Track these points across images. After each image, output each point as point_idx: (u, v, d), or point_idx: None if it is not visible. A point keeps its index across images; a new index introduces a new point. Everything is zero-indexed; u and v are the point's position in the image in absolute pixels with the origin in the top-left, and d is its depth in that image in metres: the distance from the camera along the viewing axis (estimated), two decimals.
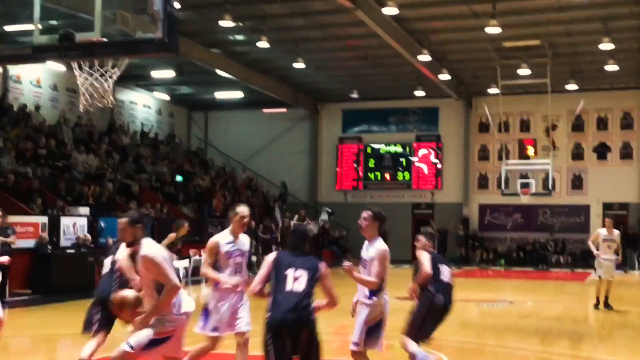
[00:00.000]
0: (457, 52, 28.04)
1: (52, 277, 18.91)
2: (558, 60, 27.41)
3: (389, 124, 36.93)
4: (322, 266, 6.44)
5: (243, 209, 8.06)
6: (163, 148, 33.58)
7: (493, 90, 30.29)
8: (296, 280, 6.32)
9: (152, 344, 6.40)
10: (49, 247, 19.74)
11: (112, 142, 29.48)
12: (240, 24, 24.00)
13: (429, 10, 23.49)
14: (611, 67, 27.39)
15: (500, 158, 30.72)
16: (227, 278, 7.81)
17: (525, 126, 34.66)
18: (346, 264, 6.80)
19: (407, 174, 36.42)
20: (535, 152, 33.60)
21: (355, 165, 37.06)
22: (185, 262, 20.81)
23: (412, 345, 8.36)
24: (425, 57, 25.77)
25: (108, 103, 8.54)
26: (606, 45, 24.29)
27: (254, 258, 23.77)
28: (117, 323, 7.84)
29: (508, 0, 21.97)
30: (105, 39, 7.51)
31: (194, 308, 6.74)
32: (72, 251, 20.18)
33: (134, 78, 30.67)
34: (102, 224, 21.76)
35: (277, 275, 6.40)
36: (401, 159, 36.57)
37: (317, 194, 37.58)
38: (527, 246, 33.67)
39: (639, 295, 21.21)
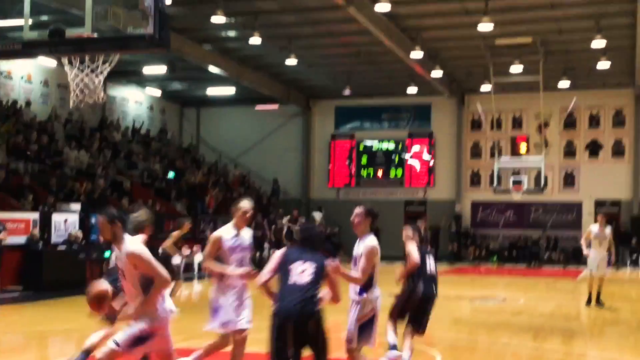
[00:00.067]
0: (449, 49, 28.03)
1: (43, 273, 18.83)
2: (550, 57, 27.45)
3: (382, 121, 36.92)
4: (329, 262, 6.61)
5: (246, 204, 8.07)
6: (155, 144, 33.50)
7: (485, 88, 30.31)
8: (302, 273, 6.50)
9: (138, 341, 6.36)
10: (40, 243, 19.66)
11: (103, 138, 29.39)
12: (233, 20, 23.94)
13: (422, 7, 23.47)
14: (603, 65, 27.43)
15: (492, 155, 30.77)
16: (233, 269, 7.78)
17: (517, 123, 34.70)
18: (330, 262, 6.75)
19: (399, 171, 36.44)
20: (528, 150, 33.65)
21: (347, 162, 37.04)
22: (177, 259, 20.79)
23: (390, 336, 8.74)
24: (417, 54, 25.75)
25: (99, 99, 8.50)
26: (598, 43, 24.31)
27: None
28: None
29: None
30: (95, 35, 7.48)
31: (175, 307, 6.72)
32: (63, 248, 20.10)
33: (126, 74, 30.55)
34: (94, 220, 21.69)
35: (284, 269, 6.59)
36: (394, 156, 36.57)
37: (310, 191, 37.55)
38: (520, 243, 33.71)
39: (631, 292, 21.26)
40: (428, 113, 36.17)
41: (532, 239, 33.54)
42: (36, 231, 19.68)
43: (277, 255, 6.88)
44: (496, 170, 27.91)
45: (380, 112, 36.80)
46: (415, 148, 36.22)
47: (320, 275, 6.53)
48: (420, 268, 8.97)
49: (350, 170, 36.99)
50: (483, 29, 22.68)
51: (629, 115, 33.54)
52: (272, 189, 35.99)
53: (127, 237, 6.47)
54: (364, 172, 36.91)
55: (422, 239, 9.52)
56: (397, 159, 36.50)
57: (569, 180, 34.20)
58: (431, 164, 35.94)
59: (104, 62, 8.24)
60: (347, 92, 33.27)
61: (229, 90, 34.27)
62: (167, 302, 6.59)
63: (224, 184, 34.14)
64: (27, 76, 28.16)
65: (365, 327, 7.00)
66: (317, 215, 32.90)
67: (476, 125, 34.84)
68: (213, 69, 28.91)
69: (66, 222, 20.85)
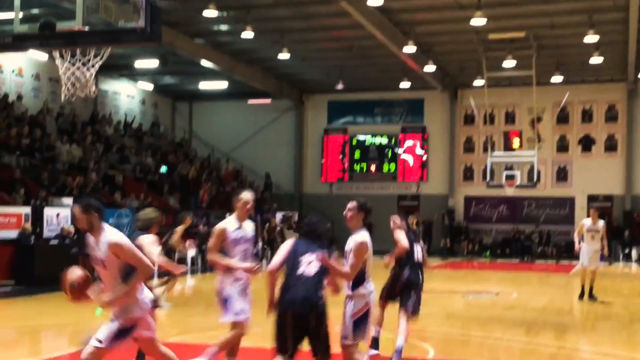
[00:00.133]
0: (442, 43, 28.01)
1: (35, 268, 18.77)
2: (543, 52, 27.46)
3: (375, 116, 36.89)
4: (333, 254, 6.75)
5: (247, 195, 8.08)
6: (147, 138, 33.42)
7: (478, 82, 30.32)
8: (309, 264, 6.68)
9: (121, 334, 6.34)
10: (32, 238, 19.60)
11: (95, 132, 29.29)
12: (225, 13, 23.87)
13: (414, 1, 23.43)
14: (596, 60, 27.47)
15: (485, 150, 30.77)
16: (238, 263, 7.77)
17: (510, 118, 34.71)
18: (320, 254, 6.76)
19: (392, 166, 36.44)
20: (521, 144, 33.66)
21: (340, 156, 37.02)
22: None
23: (373, 329, 8.95)
24: (410, 49, 25.72)
25: (90, 93, 8.45)
26: (591, 38, 24.34)
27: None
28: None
29: None
30: (87, 28, 7.43)
31: (153, 296, 6.68)
32: (55, 242, 20.04)
33: (118, 68, 30.47)
34: None
35: (293, 260, 6.75)
36: (387, 151, 36.56)
37: (302, 185, 37.52)
38: (513, 238, 33.73)
39: (623, 287, 21.31)
40: (421, 107, 36.16)
41: (525, 234, 33.58)
42: (28, 225, 19.62)
43: (286, 245, 7.00)
44: (489, 165, 27.94)
45: (373, 107, 36.77)
46: (408, 142, 36.21)
47: (326, 268, 6.71)
48: (407, 255, 9.48)
49: (343, 164, 36.97)
50: (476, 24, 22.70)
51: (622, 110, 33.58)
52: (265, 184, 35.95)
53: (106, 227, 6.39)
54: (357, 167, 36.90)
55: (409, 227, 10.00)
56: (390, 154, 36.49)
57: (562, 175, 34.25)
58: (424, 158, 35.94)
59: (95, 56, 8.19)
60: (340, 86, 33.24)
61: (222, 85, 34.20)
62: (146, 291, 6.55)
63: (216, 178, 34.09)
64: (18, 70, 28.04)
65: (360, 322, 6.97)
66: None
67: (469, 119, 34.86)
68: (205, 63, 28.84)
69: (58, 216, 20.79)
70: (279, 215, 31.75)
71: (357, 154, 36.91)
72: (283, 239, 26.85)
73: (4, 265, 18.72)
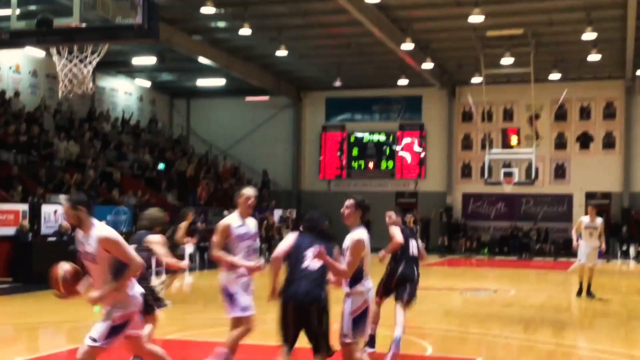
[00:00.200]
0: (440, 40, 27.98)
1: (33, 265, 18.73)
2: (541, 49, 27.43)
3: (373, 113, 36.87)
4: (314, 247, 6.76)
5: (248, 190, 8.07)
6: (144, 135, 33.38)
7: (476, 79, 30.30)
8: (313, 259, 6.76)
9: (114, 331, 6.30)
10: (30, 235, 19.57)
11: (92, 129, 29.25)
12: (222, 10, 23.84)
13: None
14: (594, 57, 27.45)
15: (483, 147, 30.77)
16: (242, 261, 7.76)
17: (508, 115, 34.70)
18: (315, 248, 6.76)
19: (390, 163, 36.42)
20: (519, 142, 33.65)
21: (338, 154, 37.00)
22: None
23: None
24: (408, 46, 25.68)
25: (88, 89, 8.44)
26: (589, 35, 24.31)
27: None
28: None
29: None
30: (84, 25, 7.41)
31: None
32: (53, 239, 20.01)
33: (115, 64, 30.43)
34: None
35: (295, 255, 6.88)
36: (385, 148, 36.55)
37: (300, 182, 37.51)
38: (511, 235, 33.72)
39: (621, 284, 21.32)
40: (419, 105, 36.14)
41: (523, 231, 33.58)
42: (26, 222, 19.61)
43: (291, 237, 7.12)
44: (487, 162, 27.92)
45: (371, 104, 36.75)
46: (406, 140, 36.19)
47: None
48: (402, 250, 9.67)
49: (341, 162, 36.95)
50: (474, 21, 22.66)
51: (620, 107, 33.58)
52: (262, 181, 35.94)
53: (96, 222, 6.37)
54: (354, 164, 36.88)
55: (405, 223, 10.34)
56: (388, 151, 36.48)
57: (560, 172, 34.26)
58: (422, 155, 35.94)
59: (92, 53, 8.18)
60: (337, 83, 33.20)
61: (219, 82, 34.17)
62: (137, 288, 6.52)
63: (214, 175, 34.07)
64: (15, 66, 27.99)
65: (359, 320, 6.94)
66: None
67: (467, 117, 34.85)
68: (203, 59, 28.79)
69: (56, 213, 20.76)
70: (277, 213, 31.72)
71: (355, 151, 36.89)
72: (281, 238, 26.86)
73: (2, 263, 18.70)
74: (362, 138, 36.84)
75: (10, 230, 19.30)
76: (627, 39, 25.51)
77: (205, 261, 24.21)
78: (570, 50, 28.54)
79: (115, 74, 33.45)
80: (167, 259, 9.16)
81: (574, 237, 17.16)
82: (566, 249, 30.18)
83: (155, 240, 9.17)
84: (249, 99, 37.44)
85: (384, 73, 32.96)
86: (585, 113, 34.00)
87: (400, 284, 9.65)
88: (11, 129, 24.33)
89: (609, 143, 33.69)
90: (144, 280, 8.93)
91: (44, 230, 20.31)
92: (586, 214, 17.61)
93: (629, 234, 31.96)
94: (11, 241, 19.10)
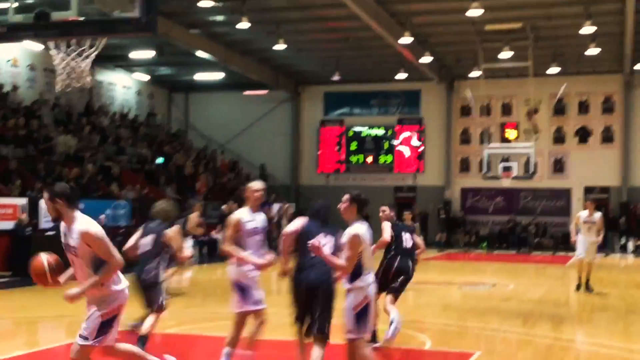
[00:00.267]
0: (439, 34, 27.94)
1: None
2: (540, 43, 27.41)
3: (371, 107, 36.85)
4: (311, 241, 6.95)
5: (256, 184, 8.08)
6: (143, 129, 33.35)
7: (475, 74, 30.26)
8: (323, 246, 7.02)
9: (104, 327, 6.19)
10: (29, 229, 19.55)
11: (91, 123, 29.21)
12: (220, 4, 23.79)
13: None
14: (593, 51, 27.43)
15: (482, 141, 30.75)
16: (253, 258, 7.75)
17: (507, 110, 34.69)
18: (313, 241, 6.79)
19: (389, 157, 36.41)
20: (517, 136, 33.65)
21: (337, 148, 36.98)
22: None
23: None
24: (407, 40, 25.64)
25: (86, 83, 8.41)
26: (588, 29, 24.28)
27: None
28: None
29: None
30: (82, 18, 7.37)
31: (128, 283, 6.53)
32: (52, 233, 19.96)
33: (113, 58, 30.38)
34: (82, 206, 21.56)
35: (305, 242, 7.13)
36: (383, 142, 36.53)
37: (299, 177, 37.51)
38: (509, 229, 33.72)
39: (620, 278, 21.33)
40: (417, 99, 36.12)
41: (522, 225, 33.60)
42: (24, 216, 19.59)
43: (298, 223, 7.46)
44: (486, 157, 27.89)
45: (369, 98, 36.73)
46: (405, 134, 36.18)
47: (337, 249, 7.08)
48: (396, 244, 9.90)
49: (339, 156, 36.94)
50: (472, 14, 22.63)
51: (618, 101, 33.59)
52: (260, 175, 35.93)
53: (79, 215, 6.21)
54: (353, 158, 36.87)
55: (401, 218, 10.90)
56: (386, 145, 36.47)
57: (559, 166, 34.27)
58: (420, 150, 35.93)
59: (90, 46, 8.14)
60: (336, 77, 33.16)
61: (218, 76, 34.14)
62: (122, 281, 6.35)
63: (213, 169, 34.06)
64: (13, 60, 27.93)
65: (361, 315, 6.91)
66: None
67: (466, 111, 34.83)
68: (201, 53, 28.75)
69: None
70: (275, 207, 31.70)
71: (353, 146, 36.87)
72: (279, 232, 26.90)
73: (1, 257, 18.70)
74: (361, 132, 36.82)
75: (9, 225, 19.28)
76: (626, 33, 25.49)
77: (204, 255, 24.19)
78: (568, 44, 28.52)
79: (114, 67, 33.40)
80: (182, 251, 9.59)
81: (573, 232, 17.17)
82: (565, 243, 30.15)
83: (174, 233, 9.38)
84: (247, 93, 37.42)
85: (382, 67, 32.93)
86: (583, 107, 34.00)
87: (395, 277, 9.83)
88: (10, 123, 24.29)
89: (607, 137, 33.70)
90: (155, 271, 9.09)
91: (43, 224, 20.28)
92: (585, 208, 17.61)
93: (628, 228, 31.98)
94: (10, 235, 19.10)
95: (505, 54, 27.65)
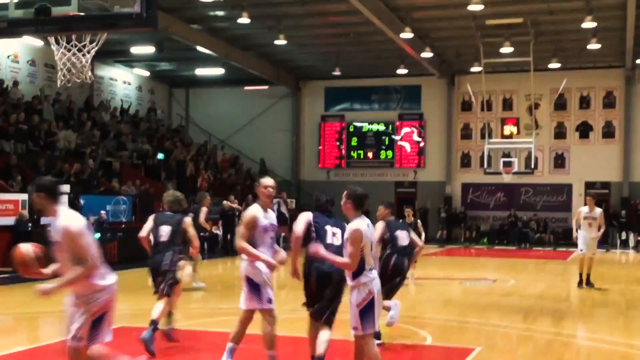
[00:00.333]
0: (439, 29, 27.89)
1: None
2: (541, 38, 27.37)
3: (372, 102, 36.81)
4: (310, 245, 7.20)
5: (267, 179, 8.07)
6: (143, 125, 33.34)
7: (476, 69, 30.22)
8: (334, 235, 7.48)
9: (95, 324, 6.05)
10: (30, 224, 19.55)
11: (91, 119, 29.20)
12: None
13: None
14: (594, 46, 27.37)
15: (482, 137, 30.74)
16: (268, 257, 7.71)
17: (507, 105, 34.65)
18: (311, 248, 6.86)
19: (390, 153, 36.38)
20: (518, 131, 33.63)
21: (337, 143, 36.97)
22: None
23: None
24: (407, 35, 25.59)
25: (86, 78, 8.40)
26: (589, 24, 24.22)
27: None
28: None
29: None
30: (82, 14, 7.36)
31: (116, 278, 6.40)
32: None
33: (114, 54, 30.35)
34: (83, 201, 21.59)
35: (318, 231, 7.50)
36: (384, 138, 36.51)
37: (300, 172, 37.49)
38: (510, 225, 33.69)
39: (620, 274, 21.32)
40: (418, 94, 36.08)
41: (523, 221, 33.59)
42: (25, 212, 19.58)
43: (305, 217, 7.64)
44: (486, 152, 27.90)
45: (370, 93, 36.70)
46: (406, 129, 36.15)
47: (345, 240, 7.09)
48: (392, 242, 10.09)
49: (340, 151, 36.93)
50: (473, 9, 22.59)
51: (620, 96, 33.55)
52: (260, 170, 35.95)
53: (62, 210, 6.09)
54: (354, 154, 36.85)
55: (403, 216, 11.25)
56: (387, 141, 36.44)
57: (559, 161, 34.24)
58: (421, 145, 35.91)
59: (91, 42, 8.13)
60: (336, 72, 33.11)
61: (218, 71, 34.11)
62: (109, 276, 6.18)
63: (213, 164, 34.05)
64: (13, 55, 27.91)
65: (366, 311, 6.88)
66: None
67: (466, 106, 34.79)
68: (201, 49, 28.71)
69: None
70: (275, 202, 31.68)
71: (354, 141, 36.85)
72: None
73: (1, 252, 18.67)
74: (361, 127, 36.79)
75: (9, 220, 19.28)
76: (627, 28, 25.43)
77: (205, 250, 24.18)
78: (569, 39, 28.48)
79: (114, 63, 33.39)
80: (196, 241, 9.93)
81: (574, 227, 17.17)
82: (565, 239, 30.19)
83: (190, 222, 9.72)
84: (247, 88, 37.39)
85: (383, 62, 32.89)
86: (584, 102, 33.96)
87: (392, 276, 9.92)
88: (12, 119, 24.28)
89: (608, 132, 33.67)
90: (171, 259, 9.36)
91: (44, 220, 20.26)
92: (585, 204, 17.60)
93: (628, 224, 31.97)
94: (11, 231, 19.09)
95: (506, 49, 27.58)
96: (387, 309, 9.65)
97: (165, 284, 9.31)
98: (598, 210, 16.89)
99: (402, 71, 32.51)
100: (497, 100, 34.44)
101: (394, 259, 9.98)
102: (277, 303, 7.93)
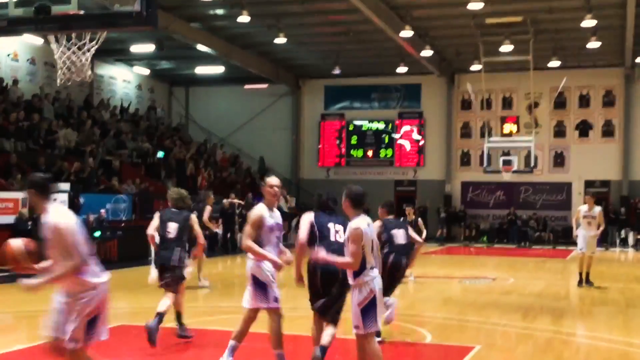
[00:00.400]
0: (439, 28, 27.90)
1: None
2: (540, 37, 27.37)
3: (372, 101, 36.81)
4: (312, 250, 7.26)
5: (273, 178, 8.06)
6: (143, 123, 33.34)
7: (475, 67, 30.23)
8: (337, 233, 7.55)
9: (90, 325, 6.00)
10: (29, 223, 19.54)
11: (91, 117, 29.20)
12: None
13: None
14: (593, 45, 27.38)
15: (482, 135, 30.74)
16: (274, 257, 7.71)
17: (507, 103, 34.66)
18: (312, 253, 6.89)
19: (389, 151, 36.39)
20: (518, 130, 33.62)
21: (337, 142, 36.97)
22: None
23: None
24: (407, 33, 25.61)
25: (86, 77, 8.40)
26: (588, 22, 24.24)
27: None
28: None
29: None
30: (82, 12, 7.36)
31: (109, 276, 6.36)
32: None
33: (114, 52, 30.34)
34: (83, 200, 21.58)
35: (321, 229, 7.57)
36: (384, 136, 36.51)
37: (300, 170, 37.50)
38: (510, 223, 33.71)
39: (620, 272, 21.33)
40: (418, 93, 36.08)
41: (522, 219, 33.60)
42: (25, 210, 19.57)
43: (308, 219, 7.68)
44: (486, 151, 27.89)
45: (370, 92, 36.70)
46: (405, 128, 36.15)
47: (346, 239, 7.10)
48: (389, 241, 10.09)
49: (340, 150, 36.93)
50: (473, 8, 22.60)
51: (619, 95, 33.56)
52: (259, 168, 35.93)
53: (52, 207, 6.04)
54: (354, 152, 36.86)
55: (404, 216, 11.12)
56: (387, 139, 36.44)
57: (559, 160, 34.25)
58: (421, 144, 35.91)
59: (90, 40, 8.13)
60: (336, 71, 33.11)
61: (218, 69, 34.10)
62: (102, 274, 6.11)
63: (213, 163, 34.05)
64: (13, 54, 27.90)
65: (367, 310, 6.87)
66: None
67: (466, 105, 34.80)
68: (201, 47, 28.72)
69: (55, 201, 20.69)
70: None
71: (354, 140, 36.85)
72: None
73: (1, 251, 18.67)
74: (361, 126, 36.79)
75: (9, 219, 19.27)
76: (627, 26, 25.44)
77: (204, 249, 24.13)
78: (569, 37, 28.48)
79: (114, 61, 33.39)
80: (202, 238, 10.03)
81: (574, 226, 17.18)
82: (565, 237, 30.18)
83: (195, 220, 9.75)
84: (247, 86, 37.38)
85: (382, 61, 32.89)
86: (584, 101, 33.97)
87: (391, 274, 9.91)
88: (12, 117, 24.28)
89: (608, 131, 33.68)
90: (179, 256, 9.50)
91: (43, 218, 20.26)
92: (584, 202, 17.62)
93: (628, 222, 31.98)
94: (10, 229, 19.06)
95: (506, 48, 27.60)
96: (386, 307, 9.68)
97: (172, 278, 9.37)
98: (597, 209, 16.91)
99: (401, 70, 32.51)
100: (497, 98, 34.44)
101: (391, 257, 9.99)
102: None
